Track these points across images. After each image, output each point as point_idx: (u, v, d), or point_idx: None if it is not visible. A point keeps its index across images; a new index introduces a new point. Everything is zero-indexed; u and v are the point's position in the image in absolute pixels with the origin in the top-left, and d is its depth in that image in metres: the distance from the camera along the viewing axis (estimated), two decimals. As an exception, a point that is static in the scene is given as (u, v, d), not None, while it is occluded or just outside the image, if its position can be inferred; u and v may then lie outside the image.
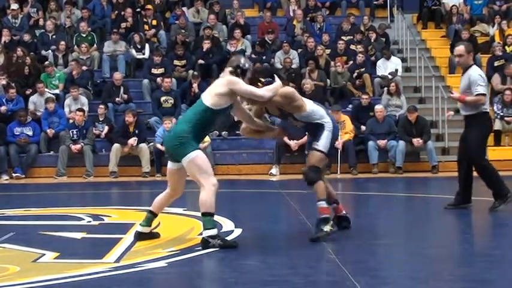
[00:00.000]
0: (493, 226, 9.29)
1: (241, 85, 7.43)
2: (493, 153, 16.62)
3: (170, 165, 7.66)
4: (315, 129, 7.85)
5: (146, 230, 7.77)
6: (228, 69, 7.61)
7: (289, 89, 7.99)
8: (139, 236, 7.74)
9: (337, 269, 6.31)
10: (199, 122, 7.36)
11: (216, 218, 9.15)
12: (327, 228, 7.57)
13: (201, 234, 7.46)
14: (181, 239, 7.84)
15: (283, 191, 13.50)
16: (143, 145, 16.06)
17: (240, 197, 12.93)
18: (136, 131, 16.14)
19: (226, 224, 8.72)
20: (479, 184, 10.00)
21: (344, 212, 8.23)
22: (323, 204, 7.68)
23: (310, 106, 7.86)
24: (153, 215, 7.79)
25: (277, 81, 7.72)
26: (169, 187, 7.79)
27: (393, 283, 5.99)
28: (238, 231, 8.27)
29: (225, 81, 7.44)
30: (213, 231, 7.28)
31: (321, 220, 7.62)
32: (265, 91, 7.55)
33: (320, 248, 7.32)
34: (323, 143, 7.75)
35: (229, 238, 7.79)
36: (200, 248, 7.22)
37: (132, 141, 15.96)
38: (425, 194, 12.83)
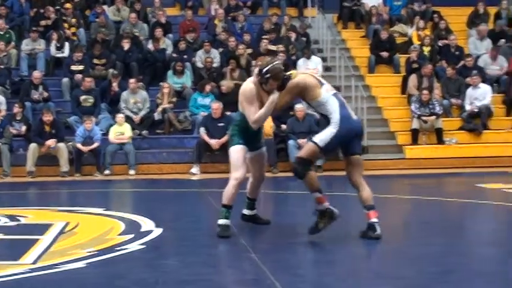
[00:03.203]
0: (418, 224, 9.45)
1: (245, 103, 7.73)
2: (411, 152, 16.95)
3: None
4: (326, 122, 7.66)
5: (250, 213, 8.49)
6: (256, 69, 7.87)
7: (295, 81, 7.64)
8: (242, 217, 8.47)
9: (257, 268, 6.33)
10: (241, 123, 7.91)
11: (137, 217, 9.16)
12: (321, 222, 7.59)
13: (120, 234, 7.40)
14: (101, 239, 7.77)
15: (204, 190, 13.50)
16: (61, 145, 15.85)
17: (160, 196, 12.86)
18: (53, 131, 15.92)
19: (147, 224, 8.67)
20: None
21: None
22: (317, 194, 7.61)
23: (325, 96, 7.58)
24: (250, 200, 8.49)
25: (265, 108, 7.68)
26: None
27: (312, 281, 6.04)
28: (158, 231, 8.23)
29: (240, 92, 7.83)
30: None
31: (318, 212, 7.62)
32: (253, 120, 7.70)
33: (240, 247, 7.34)
34: (321, 136, 7.54)
35: (149, 238, 7.76)
36: (120, 248, 7.19)
37: (51, 142, 15.75)
38: (345, 193, 12.92)
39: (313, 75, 7.84)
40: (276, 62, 7.67)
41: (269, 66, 7.56)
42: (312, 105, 7.74)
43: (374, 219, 7.62)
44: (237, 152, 7.89)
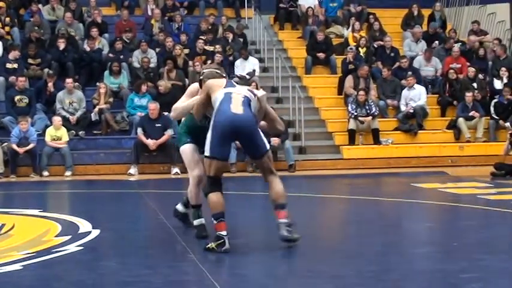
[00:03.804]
0: (356, 223, 9.52)
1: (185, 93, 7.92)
2: (348, 152, 17.07)
3: None
4: None
5: (183, 210, 8.40)
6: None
7: (194, 85, 7.73)
8: (174, 212, 8.42)
9: (196, 269, 6.32)
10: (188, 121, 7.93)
11: (74, 219, 9.06)
12: (210, 244, 6.91)
13: (57, 236, 7.32)
14: (37, 241, 7.67)
15: (142, 190, 13.43)
16: (-4, 145, 15.64)
17: (98, 197, 12.75)
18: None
19: (84, 225, 8.58)
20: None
21: None
22: (213, 220, 6.95)
23: (218, 94, 7.13)
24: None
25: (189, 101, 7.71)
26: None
27: (251, 281, 6.04)
28: (96, 232, 8.16)
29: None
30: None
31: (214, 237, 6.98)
32: (173, 107, 7.87)
33: (179, 248, 7.31)
34: (206, 146, 7.04)
35: (87, 240, 7.68)
36: (56, 250, 7.10)
37: (-15, 143, 15.55)
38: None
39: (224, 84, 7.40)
40: (216, 71, 7.68)
41: (206, 70, 7.65)
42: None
43: (282, 220, 7.12)
44: (187, 151, 7.89)
